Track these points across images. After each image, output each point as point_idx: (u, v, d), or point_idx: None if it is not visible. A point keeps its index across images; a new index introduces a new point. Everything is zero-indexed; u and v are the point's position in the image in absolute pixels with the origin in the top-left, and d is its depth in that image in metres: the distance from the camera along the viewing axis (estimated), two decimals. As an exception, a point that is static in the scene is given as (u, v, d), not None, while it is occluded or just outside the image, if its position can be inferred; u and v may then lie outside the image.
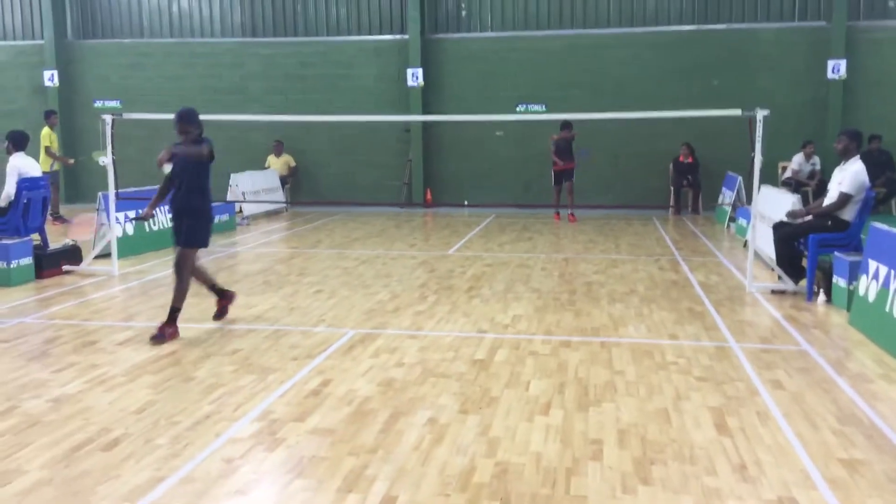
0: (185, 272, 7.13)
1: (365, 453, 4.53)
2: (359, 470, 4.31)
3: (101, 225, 10.46)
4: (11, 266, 9.37)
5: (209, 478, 4.24)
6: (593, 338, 7.07)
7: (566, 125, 15.62)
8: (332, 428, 4.92)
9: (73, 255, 10.35)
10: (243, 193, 15.84)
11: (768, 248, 9.58)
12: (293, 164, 18.77)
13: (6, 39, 20.43)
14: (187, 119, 7.10)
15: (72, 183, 19.76)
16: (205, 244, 7.26)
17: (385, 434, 4.82)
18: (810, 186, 15.64)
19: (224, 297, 7.69)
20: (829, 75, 17.04)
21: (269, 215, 17.18)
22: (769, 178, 12.82)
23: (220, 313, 7.67)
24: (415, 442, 4.70)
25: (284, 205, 18.00)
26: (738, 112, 9.06)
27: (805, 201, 12.07)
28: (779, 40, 17.42)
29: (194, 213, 7.12)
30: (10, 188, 10.27)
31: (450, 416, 5.11)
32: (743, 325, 7.53)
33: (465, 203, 17.76)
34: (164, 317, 7.13)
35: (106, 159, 9.96)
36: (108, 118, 9.92)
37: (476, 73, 18.56)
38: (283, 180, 18.22)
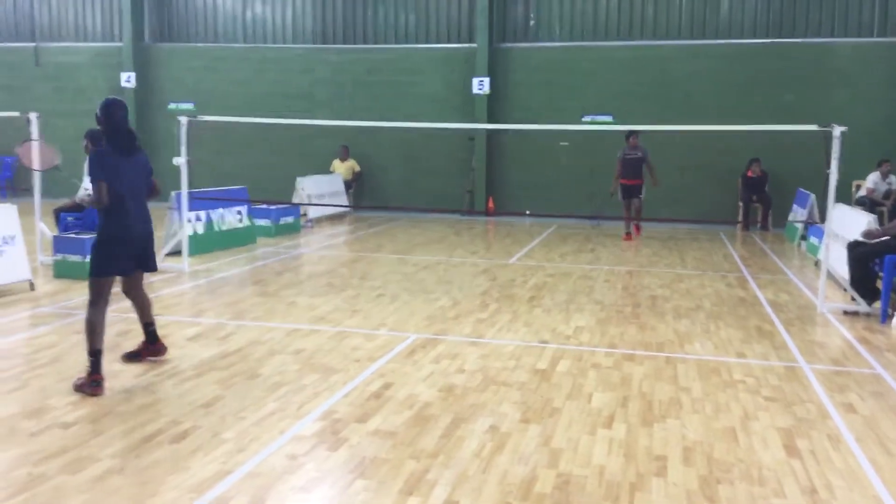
0: (89, 306, 5.78)
1: (426, 457, 4.55)
2: (420, 474, 4.33)
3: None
4: (87, 260, 9.63)
5: (273, 473, 4.30)
6: (658, 353, 6.97)
7: (629, 134, 14.63)
8: (394, 430, 4.95)
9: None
10: (308, 197, 16.07)
11: (841, 268, 9.31)
12: (357, 168, 18.97)
13: (86, 41, 21.17)
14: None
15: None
16: (102, 272, 5.74)
17: (446, 439, 4.83)
18: (886, 206, 15.15)
19: (152, 345, 6.33)
20: (908, 92, 16.52)
21: (333, 219, 17.40)
22: (843, 196, 12.45)
23: (133, 355, 6.30)
24: (476, 449, 4.69)
25: (348, 209, 18.22)
26: (813, 127, 8.85)
27: (880, 221, 11.70)
28: (856, 56, 16.95)
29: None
30: (88, 185, 10.60)
31: (511, 425, 5.09)
32: (814, 346, 7.33)
33: (527, 212, 17.70)
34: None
35: (180, 160, 10.22)
36: (183, 120, 10.21)
37: (542, 82, 18.51)
38: (348, 185, 18.44)
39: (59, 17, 21.29)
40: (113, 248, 5.72)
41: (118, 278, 5.95)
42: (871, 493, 4.21)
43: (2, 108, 19.39)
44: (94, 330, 5.66)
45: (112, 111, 5.76)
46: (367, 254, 12.60)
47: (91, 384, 5.51)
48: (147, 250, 6.04)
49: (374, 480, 4.24)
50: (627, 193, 14.69)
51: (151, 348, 6.35)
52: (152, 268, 6.22)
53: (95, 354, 5.60)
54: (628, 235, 14.88)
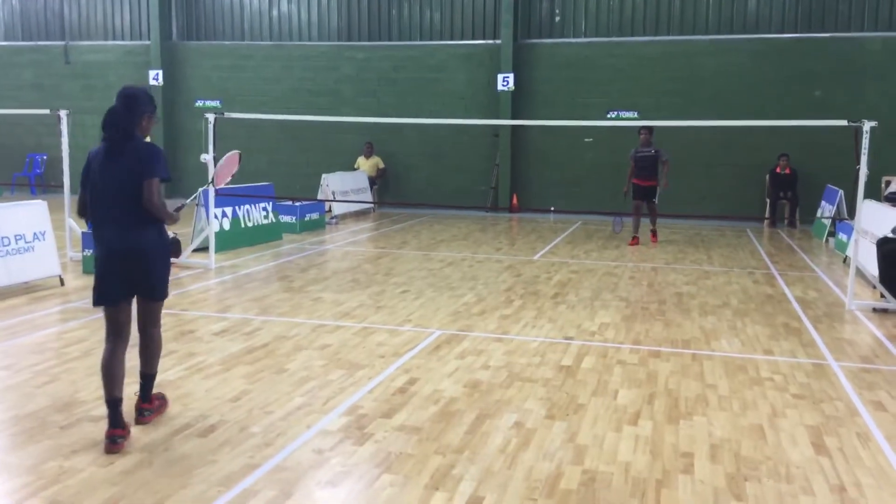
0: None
1: (451, 453, 4.56)
2: (445, 469, 4.34)
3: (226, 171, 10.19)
4: (116, 256, 9.79)
5: (300, 468, 4.34)
6: (684, 349, 6.93)
7: (641, 130, 13.41)
8: (419, 426, 4.97)
9: (172, 247, 10.73)
10: (333, 193, 16.14)
11: (871, 265, 9.19)
12: (382, 165, 19.02)
13: (115, 40, 21.41)
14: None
15: (173, 179, 20.48)
16: (95, 300, 4.81)
17: (471, 435, 4.84)
18: (917, 202, 14.92)
19: (141, 404, 5.04)
20: (941, 87, 16.25)
21: (357, 215, 17.46)
22: (872, 192, 12.30)
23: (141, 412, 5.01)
24: (501, 444, 4.69)
25: (372, 205, 18.27)
26: (843, 123, 8.74)
27: (911, 217, 11.53)
28: (886, 50, 16.69)
29: None
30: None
31: (536, 421, 5.09)
32: (842, 343, 7.24)
33: (552, 209, 17.65)
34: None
35: (207, 157, 10.31)
36: (210, 117, 10.29)
37: (567, 78, 18.44)
38: (372, 181, 18.49)
39: (89, 16, 21.55)
40: (97, 269, 4.75)
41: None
42: (902, 492, 4.16)
43: (32, 105, 19.75)
44: (105, 373, 4.68)
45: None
46: (392, 250, 12.63)
47: (106, 439, 4.55)
48: (135, 271, 4.72)
49: (399, 475, 4.26)
50: (639, 195, 13.33)
51: (140, 407, 4.97)
52: (149, 295, 4.86)
53: (110, 405, 4.61)
54: (635, 240, 13.44)
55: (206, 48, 20.82)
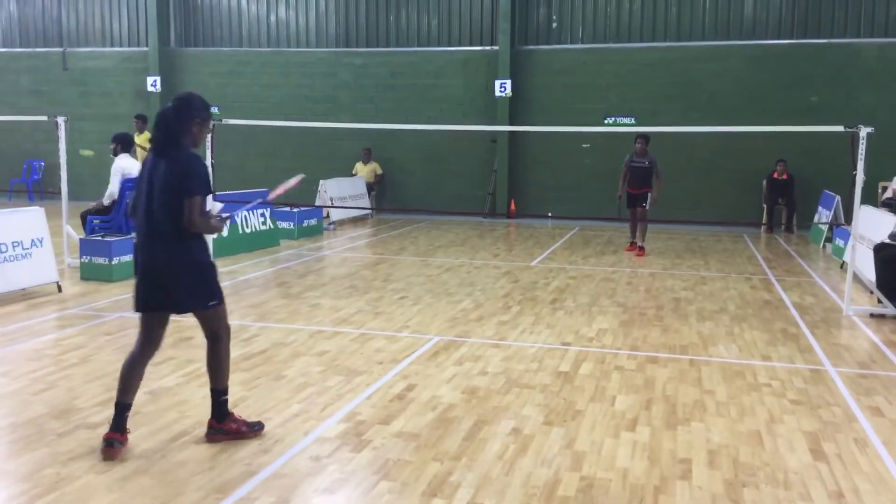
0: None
1: (449, 459, 4.56)
2: (443, 476, 4.33)
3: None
4: (113, 262, 9.81)
5: (298, 475, 4.33)
6: (682, 355, 6.93)
7: (637, 139, 13.15)
8: (417, 433, 4.96)
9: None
10: (331, 199, 16.15)
11: (868, 270, 9.21)
12: (380, 171, 19.03)
13: (113, 46, 21.43)
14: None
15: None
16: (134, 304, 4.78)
17: (469, 441, 4.83)
18: (913, 208, 14.94)
19: (218, 423, 4.86)
20: (937, 92, 16.30)
21: (355, 221, 17.46)
22: (869, 198, 12.30)
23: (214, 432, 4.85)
24: (499, 451, 4.69)
25: (370, 211, 18.28)
26: (840, 129, 8.77)
27: (908, 223, 11.55)
28: (883, 56, 16.74)
29: None
30: (115, 188, 10.73)
31: (534, 428, 5.09)
32: (840, 349, 7.25)
33: (549, 215, 17.67)
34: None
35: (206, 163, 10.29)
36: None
37: (565, 84, 18.47)
38: (370, 187, 18.50)
39: (87, 23, 21.57)
40: (135, 272, 4.72)
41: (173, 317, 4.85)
42: (900, 498, 4.17)
43: (30, 112, 19.73)
44: (121, 376, 4.64)
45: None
46: (390, 256, 12.63)
47: (103, 442, 4.53)
48: (158, 285, 4.57)
49: (397, 482, 4.26)
50: (631, 202, 13.22)
51: (216, 426, 4.81)
52: (176, 308, 4.68)
53: (117, 408, 4.58)
54: (632, 245, 13.47)
55: (204, 54, 20.85)
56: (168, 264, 4.54)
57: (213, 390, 4.83)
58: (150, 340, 4.71)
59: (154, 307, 4.64)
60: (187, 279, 4.59)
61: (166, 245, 4.52)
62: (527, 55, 18.73)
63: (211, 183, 4.72)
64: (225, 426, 4.79)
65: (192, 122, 4.63)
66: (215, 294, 4.72)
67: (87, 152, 12.77)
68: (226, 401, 4.82)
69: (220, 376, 4.81)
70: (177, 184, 4.45)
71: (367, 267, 11.58)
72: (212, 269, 4.72)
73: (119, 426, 4.56)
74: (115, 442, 4.50)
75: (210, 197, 4.63)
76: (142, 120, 15.74)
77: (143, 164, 4.66)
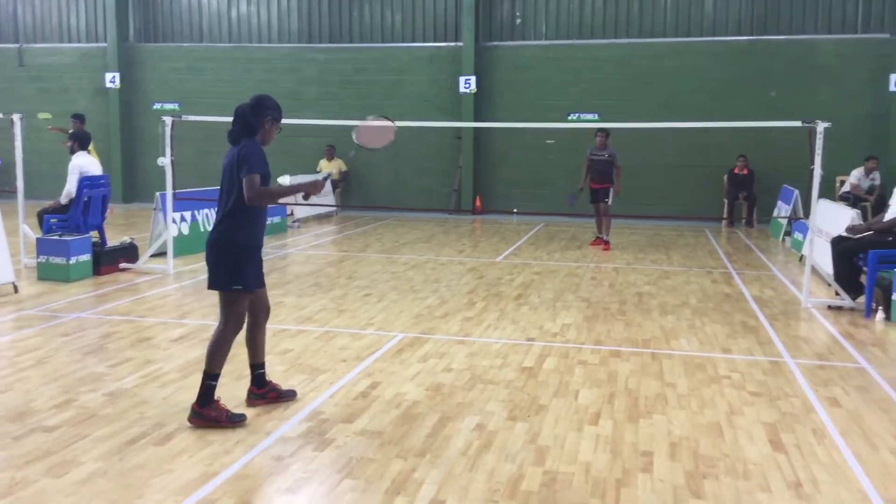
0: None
1: (413, 456, 4.54)
2: (407, 473, 4.32)
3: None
4: (71, 262, 9.62)
5: (260, 475, 4.29)
6: (644, 349, 6.99)
7: (598, 132, 13.30)
8: (381, 430, 4.94)
9: (129, 252, 10.59)
10: (295, 196, 15.99)
11: (826, 263, 9.37)
12: (344, 168, 18.93)
13: (71, 42, 21.04)
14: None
15: (130, 183, 20.27)
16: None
17: (433, 438, 4.82)
18: (869, 201, 15.25)
19: (258, 389, 5.44)
20: (892, 88, 16.63)
21: (320, 218, 17.36)
22: (827, 192, 12.55)
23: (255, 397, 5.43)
24: (462, 447, 4.69)
25: (335, 208, 18.17)
26: (797, 124, 8.90)
27: (864, 217, 11.79)
28: (840, 52, 17.05)
29: None
30: (72, 186, 10.54)
31: (498, 423, 5.09)
32: (798, 341, 7.37)
33: (515, 211, 17.72)
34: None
35: (165, 160, 10.17)
36: (168, 120, 10.14)
37: (529, 81, 18.53)
38: (335, 184, 18.40)
39: (43, 18, 21.15)
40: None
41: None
42: (856, 486, 4.24)
43: (-15, 109, 19.30)
44: (209, 352, 5.01)
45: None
46: (355, 253, 12.57)
47: (224, 417, 4.93)
48: (207, 265, 5.09)
49: (361, 480, 4.23)
50: (593, 197, 13.35)
51: (257, 393, 5.37)
52: (209, 285, 5.08)
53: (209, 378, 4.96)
54: (597, 240, 13.56)
55: (163, 50, 20.55)
56: (210, 244, 5.04)
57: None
58: (225, 319, 5.03)
59: (209, 285, 5.07)
60: (218, 258, 5.00)
61: (218, 226, 5.02)
62: (491, 51, 18.76)
63: (267, 163, 5.02)
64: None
65: (265, 119, 5.09)
66: (238, 279, 4.99)
67: (45, 115, 12.61)
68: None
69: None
70: (236, 167, 4.92)
71: (331, 264, 11.51)
72: (246, 252, 5.02)
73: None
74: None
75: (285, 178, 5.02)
76: (80, 120, 14.60)
77: (225, 157, 5.04)
